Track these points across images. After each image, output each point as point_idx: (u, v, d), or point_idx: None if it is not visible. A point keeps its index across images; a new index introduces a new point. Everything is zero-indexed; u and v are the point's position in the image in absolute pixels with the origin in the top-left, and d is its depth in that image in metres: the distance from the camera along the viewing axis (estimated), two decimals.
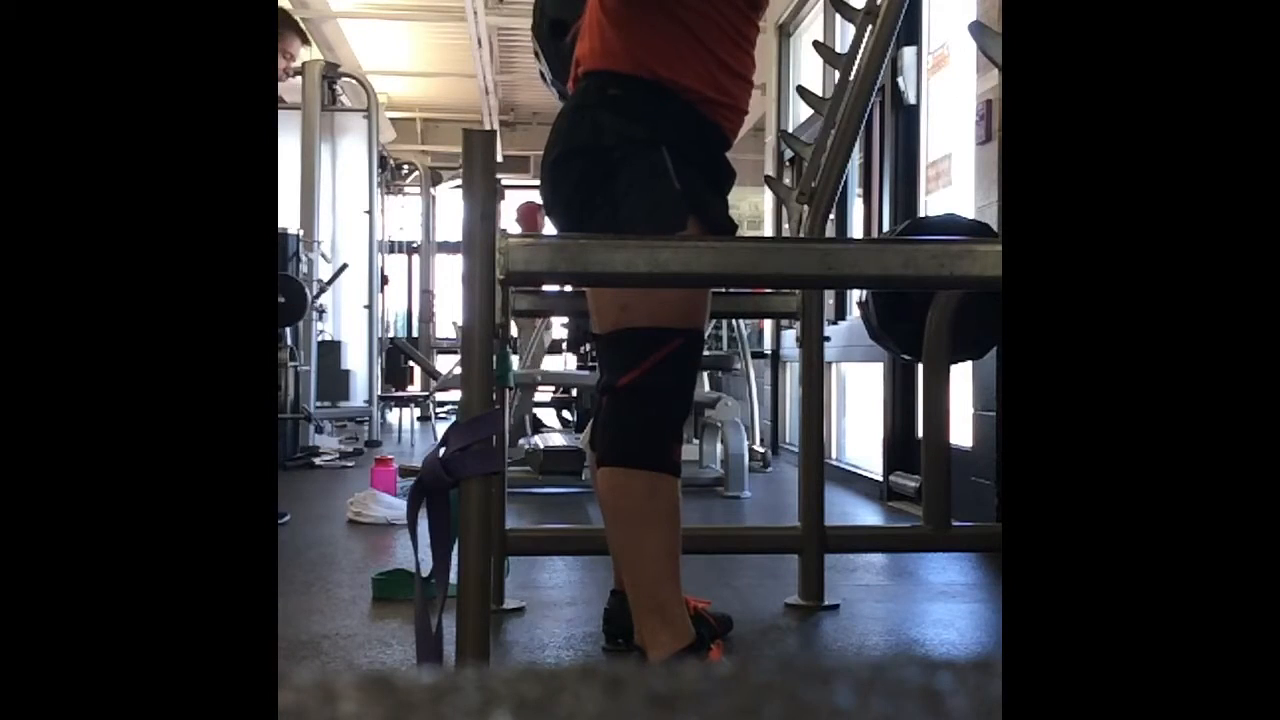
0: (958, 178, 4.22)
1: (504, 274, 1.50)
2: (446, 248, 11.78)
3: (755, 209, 7.92)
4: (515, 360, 5.59)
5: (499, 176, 1.66)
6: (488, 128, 10.76)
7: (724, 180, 2.07)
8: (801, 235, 2.64)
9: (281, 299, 4.87)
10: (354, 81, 7.95)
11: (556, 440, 5.28)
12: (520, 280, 1.63)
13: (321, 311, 6.75)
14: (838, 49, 3.23)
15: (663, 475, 1.89)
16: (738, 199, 2.48)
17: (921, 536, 2.86)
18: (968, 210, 3.74)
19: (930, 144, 4.63)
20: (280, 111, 5.79)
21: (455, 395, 5.37)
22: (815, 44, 3.13)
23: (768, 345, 6.67)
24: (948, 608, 2.72)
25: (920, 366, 2.86)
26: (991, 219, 3.39)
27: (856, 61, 2.55)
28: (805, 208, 2.65)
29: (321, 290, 6.53)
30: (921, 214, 4.55)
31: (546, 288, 3.13)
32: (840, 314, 5.48)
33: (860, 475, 5.02)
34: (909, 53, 4.62)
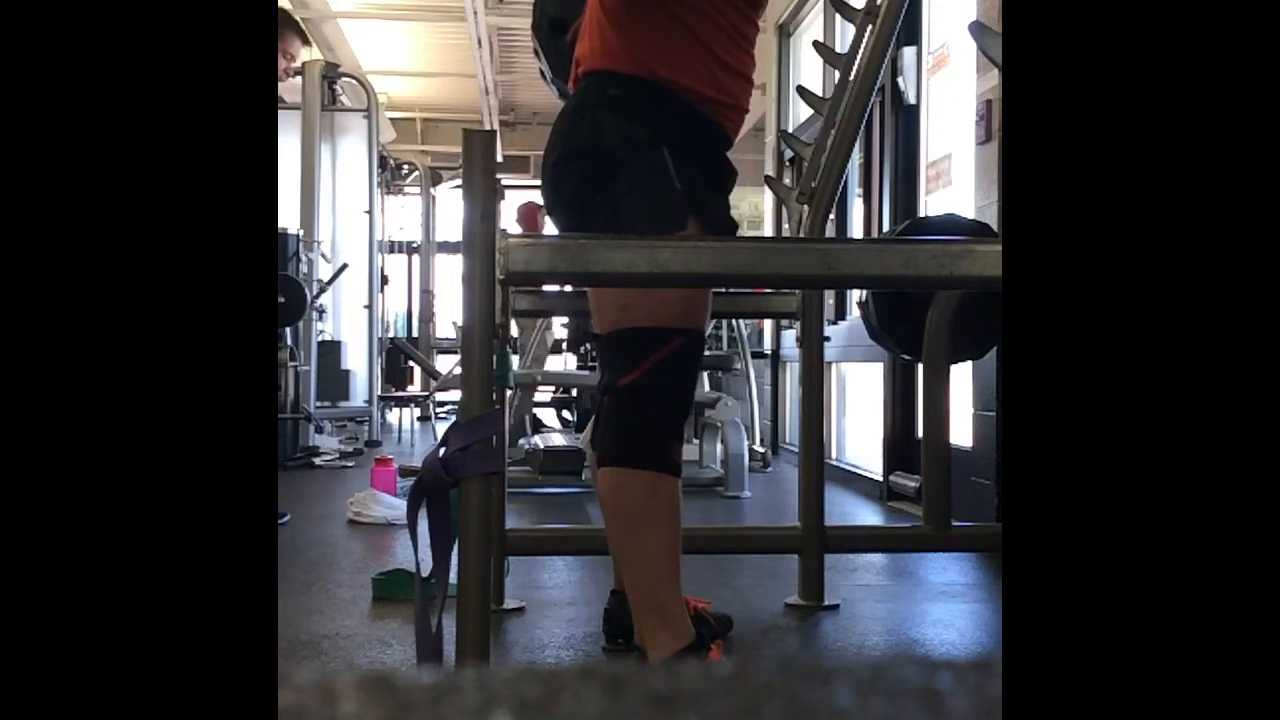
0: (958, 178, 4.22)
1: (504, 274, 1.50)
2: (446, 248, 11.78)
3: (755, 209, 7.92)
4: (515, 360, 5.59)
5: (499, 176, 1.66)
6: (488, 128, 10.76)
7: (725, 179, 2.07)
8: (801, 235, 2.64)
9: (281, 299, 4.87)
10: (354, 81, 7.95)
11: (556, 440, 5.28)
12: (520, 280, 1.63)
13: (321, 311, 6.75)
14: (838, 49, 3.23)
15: (663, 475, 1.89)
16: (738, 199, 2.48)
17: (921, 536, 2.86)
18: (968, 210, 3.74)
19: (930, 144, 4.63)
20: (280, 111, 5.79)
21: (455, 395, 5.37)
22: (815, 44, 3.13)
23: (768, 345, 6.67)
24: (948, 608, 2.72)
25: (920, 366, 2.86)
26: (991, 219, 3.39)
27: (856, 61, 2.55)
28: (805, 208, 2.65)
29: (321, 290, 6.53)
30: (921, 214, 4.55)
31: (547, 288, 3.13)
32: (840, 314, 5.48)
33: (860, 475, 5.02)
34: (909, 53, 4.62)
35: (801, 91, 2.95)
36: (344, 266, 6.79)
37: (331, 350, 7.45)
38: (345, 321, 7.79)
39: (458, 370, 2.14)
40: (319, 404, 6.59)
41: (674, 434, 1.94)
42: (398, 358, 10.37)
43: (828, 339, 2.78)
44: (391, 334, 11.62)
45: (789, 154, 6.12)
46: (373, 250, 7.58)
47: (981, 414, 3.62)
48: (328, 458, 6.00)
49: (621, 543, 1.96)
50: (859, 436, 5.34)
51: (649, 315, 1.89)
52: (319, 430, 6.61)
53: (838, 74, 2.61)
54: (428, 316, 11.69)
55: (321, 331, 6.97)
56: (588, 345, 6.30)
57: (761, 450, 5.89)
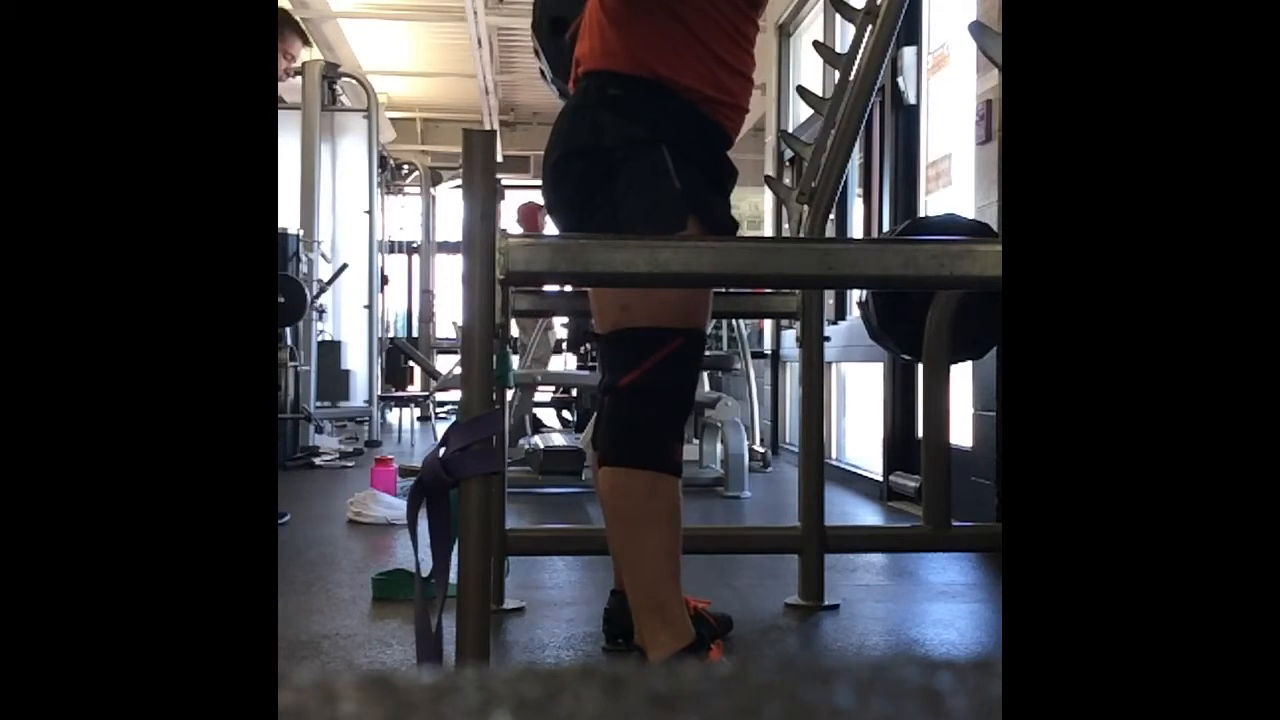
0: (958, 178, 4.22)
1: (504, 274, 1.50)
2: (446, 248, 11.78)
3: (755, 209, 7.92)
4: (515, 360, 5.59)
5: (499, 176, 1.66)
6: (488, 128, 10.77)
7: (726, 179, 2.07)
8: (801, 235, 2.64)
9: (281, 299, 4.87)
10: (354, 81, 7.95)
11: (556, 440, 5.28)
12: (520, 280, 1.63)
13: (321, 311, 6.75)
14: (838, 49, 3.23)
15: (663, 475, 1.89)
16: (738, 199, 2.48)
17: (921, 536, 2.86)
18: (968, 210, 3.74)
19: (930, 144, 4.63)
20: (280, 111, 5.79)
21: (455, 395, 5.37)
22: (815, 44, 3.13)
23: (768, 345, 6.67)
24: (948, 608, 2.72)
25: (920, 366, 2.86)
26: (991, 219, 3.39)
27: (856, 61, 2.55)
28: (805, 208, 2.65)
29: (321, 290, 6.53)
30: (921, 214, 4.55)
31: (547, 288, 3.13)
32: (840, 314, 5.48)
33: (860, 475, 5.02)
34: (909, 53, 4.62)
35: (801, 91, 2.95)
36: (344, 266, 6.79)
37: (331, 350, 7.45)
38: (345, 321, 7.79)
39: (458, 370, 2.14)
40: (319, 404, 6.59)
41: (674, 434, 1.94)
42: (398, 358, 10.37)
43: (828, 339, 2.78)
44: (391, 334, 11.62)
45: (789, 154, 6.12)
46: (373, 250, 7.58)
47: (981, 414, 3.62)
48: (328, 458, 6.00)
49: (622, 542, 1.96)
50: (859, 436, 5.34)
51: (649, 315, 1.89)
52: (319, 430, 6.61)
53: (838, 74, 2.61)
54: (428, 316, 11.69)
55: (321, 331, 6.97)
56: (588, 345, 6.30)
57: (761, 450, 5.89)
